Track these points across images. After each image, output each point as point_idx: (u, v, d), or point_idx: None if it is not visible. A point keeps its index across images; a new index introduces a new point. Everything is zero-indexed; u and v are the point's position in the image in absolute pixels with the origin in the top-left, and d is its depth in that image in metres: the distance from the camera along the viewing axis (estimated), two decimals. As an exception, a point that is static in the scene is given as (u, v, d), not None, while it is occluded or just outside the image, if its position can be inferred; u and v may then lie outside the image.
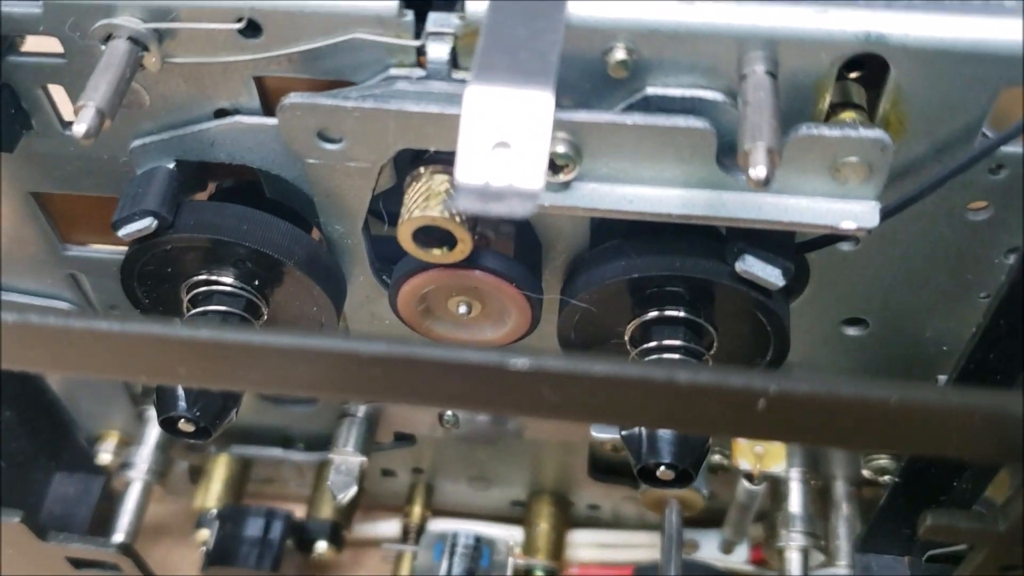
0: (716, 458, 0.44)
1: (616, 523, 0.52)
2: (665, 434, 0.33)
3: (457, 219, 0.31)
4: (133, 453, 0.48)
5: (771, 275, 0.31)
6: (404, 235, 0.32)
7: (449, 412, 0.45)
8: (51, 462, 0.48)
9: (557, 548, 0.51)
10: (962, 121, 0.29)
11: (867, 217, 0.30)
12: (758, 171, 0.26)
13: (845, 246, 0.34)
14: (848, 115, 0.30)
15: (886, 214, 0.30)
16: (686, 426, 0.29)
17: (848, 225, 0.30)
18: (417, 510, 0.52)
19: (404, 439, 0.48)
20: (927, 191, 0.30)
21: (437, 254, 0.33)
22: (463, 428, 0.45)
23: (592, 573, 0.52)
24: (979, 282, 0.35)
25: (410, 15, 0.30)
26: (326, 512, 0.49)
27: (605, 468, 0.49)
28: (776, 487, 0.45)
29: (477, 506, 0.52)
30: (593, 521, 0.52)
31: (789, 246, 0.32)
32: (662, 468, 0.32)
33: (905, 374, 0.38)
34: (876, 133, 0.28)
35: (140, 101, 0.33)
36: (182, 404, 0.33)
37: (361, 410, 0.46)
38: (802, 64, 0.29)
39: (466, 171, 0.26)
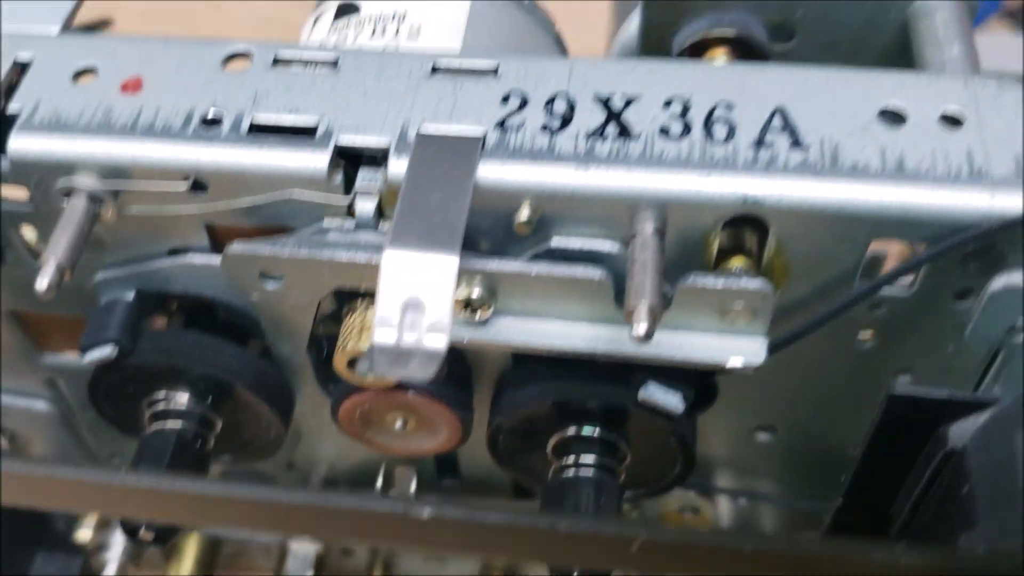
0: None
1: (565, 597, 0.55)
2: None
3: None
4: (109, 536, 0.51)
5: (671, 402, 0.34)
6: (339, 364, 0.35)
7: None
8: (33, 543, 0.51)
9: (509, 621, 0.54)
10: (839, 269, 0.33)
11: (755, 353, 0.33)
12: (639, 328, 0.29)
13: (748, 367, 0.37)
14: (737, 261, 0.33)
15: (774, 348, 0.33)
16: (571, 564, 0.32)
17: (735, 362, 0.33)
18: (376, 586, 0.55)
19: (360, 523, 0.51)
20: (811, 328, 0.33)
21: (371, 379, 0.36)
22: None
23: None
24: (873, 399, 0.37)
25: (339, 177, 0.33)
26: (288, 590, 0.52)
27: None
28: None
29: (434, 580, 0.55)
30: (543, 595, 0.55)
31: (691, 372, 0.35)
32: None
33: (815, 474, 0.41)
34: (757, 283, 0.31)
35: (101, 242, 0.36)
36: (140, 517, 0.36)
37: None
38: (689, 222, 0.32)
39: (382, 332, 0.29)
